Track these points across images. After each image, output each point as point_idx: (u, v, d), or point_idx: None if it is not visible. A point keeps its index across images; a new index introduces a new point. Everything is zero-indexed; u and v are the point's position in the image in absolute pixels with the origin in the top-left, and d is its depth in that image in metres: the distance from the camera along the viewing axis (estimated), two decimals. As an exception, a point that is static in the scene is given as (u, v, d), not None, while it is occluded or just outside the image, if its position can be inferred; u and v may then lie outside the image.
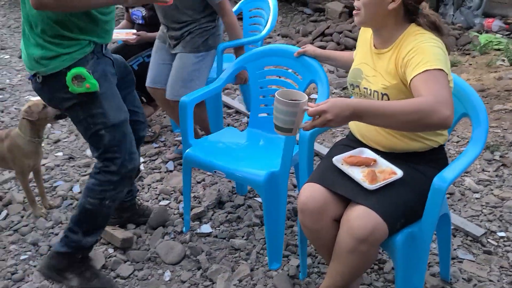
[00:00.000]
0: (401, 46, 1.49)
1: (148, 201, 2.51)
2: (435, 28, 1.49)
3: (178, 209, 2.43)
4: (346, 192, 1.48)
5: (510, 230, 2.19)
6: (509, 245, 2.11)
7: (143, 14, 3.15)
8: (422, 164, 1.57)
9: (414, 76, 1.37)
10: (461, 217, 2.28)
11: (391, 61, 1.51)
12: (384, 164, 1.55)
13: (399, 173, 1.49)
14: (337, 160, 1.58)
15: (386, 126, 1.40)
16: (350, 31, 4.81)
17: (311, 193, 1.51)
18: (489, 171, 2.66)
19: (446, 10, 5.29)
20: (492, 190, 2.50)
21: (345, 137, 1.82)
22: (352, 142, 1.70)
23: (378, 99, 1.52)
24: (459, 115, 1.68)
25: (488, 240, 2.14)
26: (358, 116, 1.30)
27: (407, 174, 1.50)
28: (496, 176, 2.62)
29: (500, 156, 2.79)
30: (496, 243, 2.12)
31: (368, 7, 1.49)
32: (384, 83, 1.51)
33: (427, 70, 1.35)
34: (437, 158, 1.61)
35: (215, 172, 2.00)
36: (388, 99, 1.50)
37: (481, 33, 4.77)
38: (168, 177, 2.72)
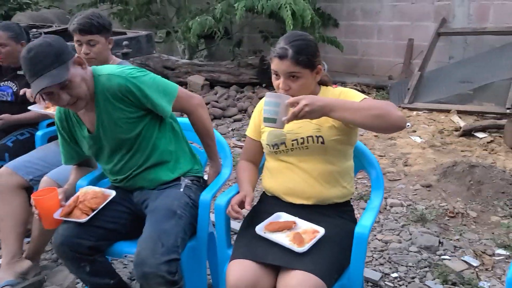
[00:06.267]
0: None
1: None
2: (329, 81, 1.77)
3: (70, 309, 2.12)
4: (278, 260, 1.47)
5: (400, 270, 2.41)
6: (403, 284, 2.31)
7: (14, 90, 2.56)
8: (336, 217, 1.67)
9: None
10: (358, 265, 2.44)
11: None
12: (304, 225, 1.59)
13: (321, 230, 1.55)
14: (260, 229, 1.57)
15: (353, 119, 1.50)
16: (217, 101, 5.03)
17: (241, 271, 1.47)
18: (368, 219, 2.92)
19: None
20: (375, 235, 2.74)
21: (257, 203, 1.84)
22: (267, 206, 1.72)
23: (314, 143, 1.63)
24: (358, 170, 1.86)
25: (385, 282, 2.31)
26: (330, 109, 1.47)
27: (327, 230, 1.56)
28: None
29: (373, 204, 3.10)
30: (392, 284, 2.30)
31: (304, 86, 1.62)
32: (315, 127, 1.63)
33: (364, 98, 1.60)
34: (347, 210, 1.75)
35: (125, 256, 1.82)
36: (323, 141, 1.62)
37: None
38: (50, 274, 2.36)
